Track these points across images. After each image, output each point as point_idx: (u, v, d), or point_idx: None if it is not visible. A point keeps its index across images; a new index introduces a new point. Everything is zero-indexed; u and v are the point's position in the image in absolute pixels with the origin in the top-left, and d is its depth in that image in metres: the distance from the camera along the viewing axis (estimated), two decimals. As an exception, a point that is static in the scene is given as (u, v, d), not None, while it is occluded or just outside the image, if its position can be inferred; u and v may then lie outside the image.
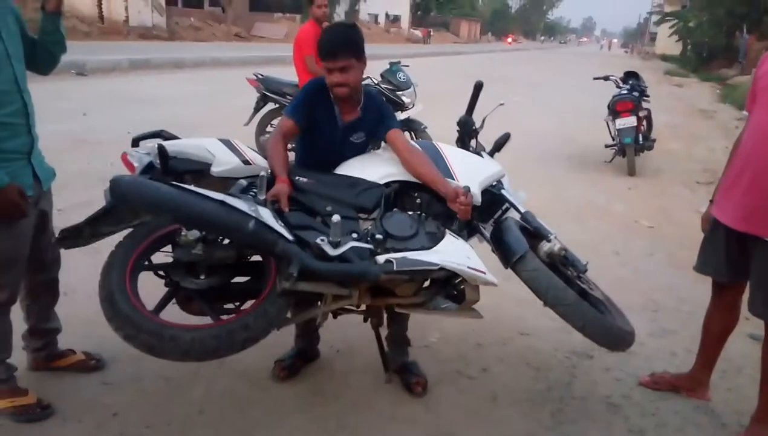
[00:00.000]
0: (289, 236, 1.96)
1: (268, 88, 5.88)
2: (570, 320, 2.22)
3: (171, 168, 2.25)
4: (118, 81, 11.51)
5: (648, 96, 7.45)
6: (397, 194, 2.36)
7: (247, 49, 21.62)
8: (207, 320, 2.06)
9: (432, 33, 46.12)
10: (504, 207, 2.56)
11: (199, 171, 2.27)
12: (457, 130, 2.72)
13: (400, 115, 5.85)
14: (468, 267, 2.08)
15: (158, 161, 2.22)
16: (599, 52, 58.34)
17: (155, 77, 12.53)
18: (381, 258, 2.03)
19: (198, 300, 2.14)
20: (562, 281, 2.30)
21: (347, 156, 2.43)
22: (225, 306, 2.22)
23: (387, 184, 2.34)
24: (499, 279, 2.16)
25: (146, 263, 2.18)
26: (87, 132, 6.89)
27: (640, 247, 4.70)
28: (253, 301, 2.11)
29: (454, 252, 2.13)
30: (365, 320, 2.44)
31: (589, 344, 3.05)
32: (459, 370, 2.79)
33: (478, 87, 2.64)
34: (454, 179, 2.35)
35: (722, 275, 2.46)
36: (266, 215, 1.95)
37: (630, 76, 7.59)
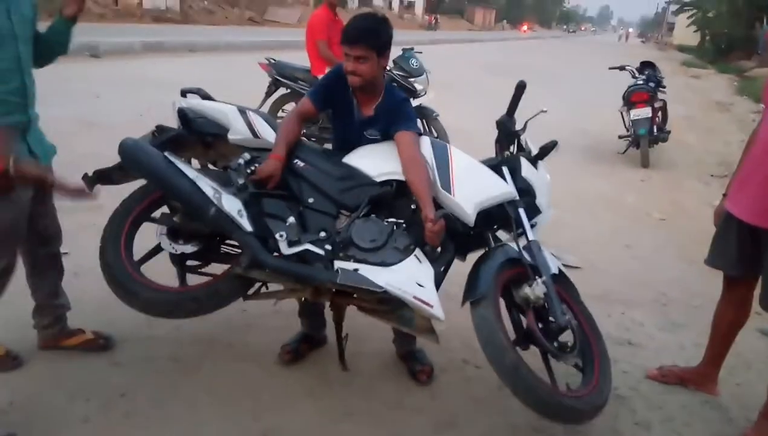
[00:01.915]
0: (248, 228, 2.14)
1: (279, 73, 5.86)
2: (503, 381, 2.10)
3: (198, 128, 2.44)
4: (132, 63, 11.52)
5: (664, 87, 7.36)
6: (396, 194, 2.31)
7: (260, 33, 21.57)
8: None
9: (439, 19, 45.45)
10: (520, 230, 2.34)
11: (220, 134, 2.42)
12: (498, 131, 2.57)
13: (413, 102, 5.81)
14: (414, 297, 2.05)
15: (177, 121, 2.44)
16: (615, 43, 57.57)
17: (168, 60, 12.52)
18: (338, 264, 2.12)
19: (175, 263, 2.37)
20: (522, 333, 2.23)
21: None
22: (213, 261, 2.44)
23: (388, 182, 2.30)
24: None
25: (144, 217, 2.40)
26: (100, 114, 6.91)
27: (651, 240, 4.66)
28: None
29: (408, 277, 2.10)
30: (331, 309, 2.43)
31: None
32: (465, 359, 2.79)
33: (521, 87, 2.44)
34: (450, 192, 2.24)
35: (734, 269, 2.44)
36: (229, 205, 2.14)
37: (646, 66, 7.50)
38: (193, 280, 2.38)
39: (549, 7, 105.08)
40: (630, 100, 6.87)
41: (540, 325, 2.21)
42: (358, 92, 2.34)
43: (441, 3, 55.39)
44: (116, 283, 2.26)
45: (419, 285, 2.09)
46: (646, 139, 6.79)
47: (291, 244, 2.15)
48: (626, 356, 2.91)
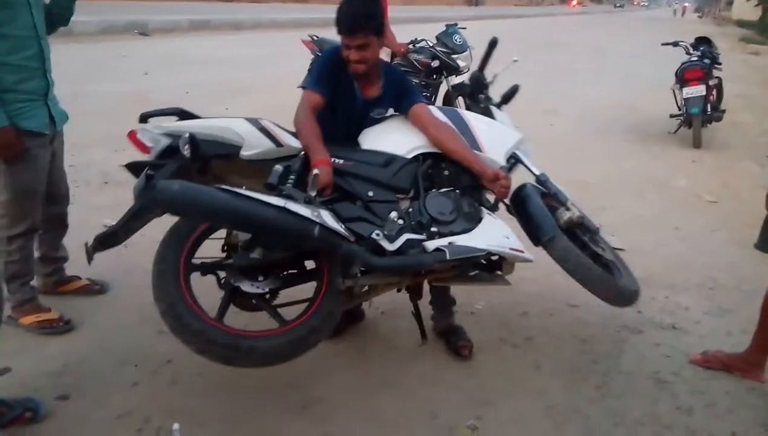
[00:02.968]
0: (351, 236, 2.01)
1: (322, 50, 5.86)
2: (595, 292, 2.45)
3: (202, 153, 2.13)
4: (178, 42, 11.73)
5: (720, 63, 7.03)
6: (428, 167, 2.35)
7: (305, 10, 21.59)
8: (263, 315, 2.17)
9: None
10: (513, 162, 2.57)
11: (227, 154, 2.17)
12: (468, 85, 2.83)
13: (455, 79, 5.74)
14: (510, 248, 2.20)
15: (187, 150, 2.09)
16: (670, 18, 55.06)
17: (214, 38, 12.71)
18: (430, 245, 2.11)
19: (261, 303, 2.15)
20: (580, 248, 2.46)
21: None
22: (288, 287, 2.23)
23: (416, 157, 2.34)
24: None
25: (197, 264, 2.13)
26: (149, 91, 7.09)
27: (701, 222, 4.51)
28: (313, 286, 2.18)
29: (494, 234, 2.23)
30: (398, 290, 2.43)
31: (639, 320, 3.01)
32: (503, 338, 2.78)
33: (492, 44, 2.69)
34: (480, 150, 2.37)
35: (786, 254, 2.34)
36: (328, 219, 1.94)
37: (701, 42, 7.17)
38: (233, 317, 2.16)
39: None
40: (683, 78, 6.59)
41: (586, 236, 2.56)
42: (358, 76, 2.29)
43: (487, -22, 54.03)
44: (224, 346, 1.93)
45: (506, 237, 2.23)
46: (699, 118, 6.53)
47: (390, 239, 2.09)
48: (670, 340, 2.85)
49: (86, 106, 5.99)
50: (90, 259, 2.19)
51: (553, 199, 2.53)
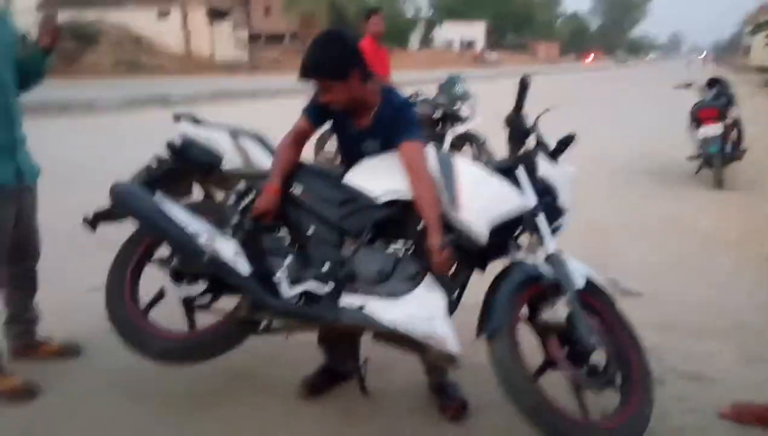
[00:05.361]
0: (246, 271, 2.05)
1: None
2: (526, 421, 1.98)
3: (192, 158, 2.38)
4: (199, 111, 12.03)
5: (735, 103, 6.84)
6: (403, 212, 2.12)
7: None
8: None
9: (488, 55, 44.51)
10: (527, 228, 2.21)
11: (214, 163, 2.35)
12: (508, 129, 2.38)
13: (459, 128, 5.67)
14: (424, 333, 1.95)
15: (171, 155, 2.41)
16: (685, 69, 55.02)
17: (233, 107, 13.05)
18: (344, 299, 2.02)
19: (184, 304, 2.29)
20: (547, 360, 2.13)
21: None
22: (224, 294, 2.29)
23: (392, 201, 2.12)
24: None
25: (150, 258, 2.37)
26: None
27: (726, 265, 4.23)
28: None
29: (417, 310, 1.97)
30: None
31: (660, 369, 2.73)
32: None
33: (525, 83, 2.24)
34: (457, 211, 2.06)
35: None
36: (223, 249, 2.06)
37: (714, 83, 7.02)
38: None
39: (617, 35, 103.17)
40: (697, 118, 6.40)
41: (567, 348, 2.06)
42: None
43: (502, 40, 55.55)
44: (126, 336, 2.26)
45: (429, 319, 1.96)
46: (719, 157, 6.28)
47: (292, 283, 2.07)
48: (695, 393, 2.57)
49: (96, 174, 6.07)
50: (93, 230, 2.45)
51: (549, 290, 2.10)
